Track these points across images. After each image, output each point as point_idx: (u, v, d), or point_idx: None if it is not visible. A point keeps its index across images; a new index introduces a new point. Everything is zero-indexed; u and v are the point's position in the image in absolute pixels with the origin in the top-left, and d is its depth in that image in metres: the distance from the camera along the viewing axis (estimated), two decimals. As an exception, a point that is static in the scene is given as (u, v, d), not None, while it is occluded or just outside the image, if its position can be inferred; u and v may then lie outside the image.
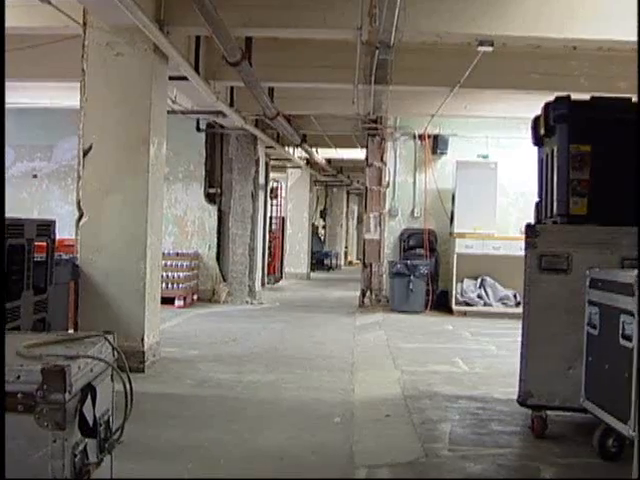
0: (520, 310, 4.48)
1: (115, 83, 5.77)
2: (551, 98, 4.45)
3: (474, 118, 10.56)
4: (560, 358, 4.06)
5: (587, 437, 3.82)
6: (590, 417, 3.86)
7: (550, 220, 4.48)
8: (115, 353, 3.20)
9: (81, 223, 5.79)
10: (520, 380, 4.20)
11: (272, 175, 16.07)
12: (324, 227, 23.70)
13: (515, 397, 4.28)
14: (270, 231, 15.34)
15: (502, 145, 10.87)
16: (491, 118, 10.44)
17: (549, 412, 4.16)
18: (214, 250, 11.28)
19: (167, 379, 5.59)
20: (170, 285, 10.25)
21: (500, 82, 7.75)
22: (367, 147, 11.26)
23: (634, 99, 4.17)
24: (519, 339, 4.23)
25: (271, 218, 15.52)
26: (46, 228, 4.76)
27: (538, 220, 4.68)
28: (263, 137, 11.20)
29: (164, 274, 9.86)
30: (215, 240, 11.28)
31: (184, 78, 6.78)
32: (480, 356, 6.76)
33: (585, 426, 4.04)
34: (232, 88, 9.04)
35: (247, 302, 11.24)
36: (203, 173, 11.29)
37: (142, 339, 5.75)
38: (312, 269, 18.89)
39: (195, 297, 11.00)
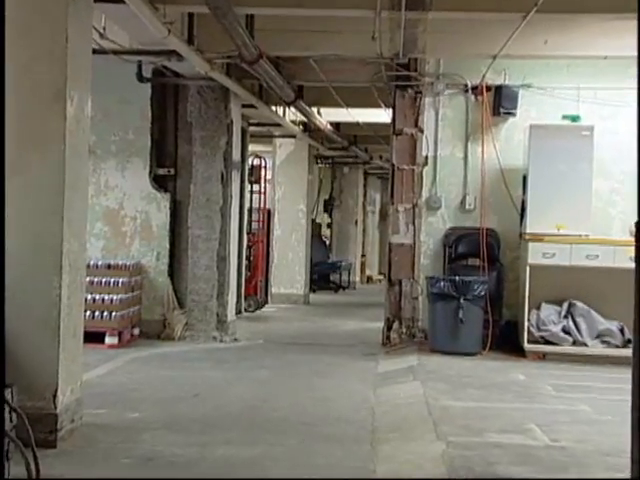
0: (629, 352, 4.40)
1: (11, 7, 5.68)
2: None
3: (558, 59, 10.51)
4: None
5: None
6: None
7: (676, 214, 4.42)
8: (13, 417, 3.15)
9: (-39, 219, 5.75)
10: (632, 461, 4.12)
11: (252, 148, 16.02)
12: (330, 226, 23.66)
13: (625, 486, 4.24)
14: (250, 232, 15.31)
15: (602, 100, 10.80)
16: (585, 59, 10.38)
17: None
18: (165, 260, 11.24)
19: (92, 457, 5.55)
20: (99, 314, 10.22)
21: (599, 3, 7.68)
22: (394, 106, 11.23)
23: None
24: (629, 397, 4.16)
25: (251, 212, 15.49)
26: None
27: (657, 215, 4.62)
28: (238, 91, 11.15)
29: (89, 296, 9.85)
30: (167, 245, 11.25)
31: (118, 0, 6.73)
32: (568, 422, 6.73)
33: None
34: (191, 16, 9.00)
35: (215, 338, 11.22)
36: (148, 144, 11.26)
37: (54, 396, 5.71)
38: (312, 289, 18.85)
39: (137, 331, 10.97)
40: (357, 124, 16.36)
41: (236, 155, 11.85)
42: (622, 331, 9.88)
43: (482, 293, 10.17)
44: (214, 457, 5.60)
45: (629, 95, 9.94)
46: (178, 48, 8.57)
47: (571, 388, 8.17)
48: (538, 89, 10.96)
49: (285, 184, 17.76)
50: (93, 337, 9.19)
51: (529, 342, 10.01)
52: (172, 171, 11.39)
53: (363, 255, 25.30)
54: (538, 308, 10.14)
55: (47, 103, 5.77)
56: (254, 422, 6.72)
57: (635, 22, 8.37)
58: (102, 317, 10.25)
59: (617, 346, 9.79)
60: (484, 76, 10.83)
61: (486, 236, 10.80)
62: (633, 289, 4.19)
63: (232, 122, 11.50)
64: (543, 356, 9.92)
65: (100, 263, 10.71)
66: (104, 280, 10.48)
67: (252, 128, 14.92)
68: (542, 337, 10.05)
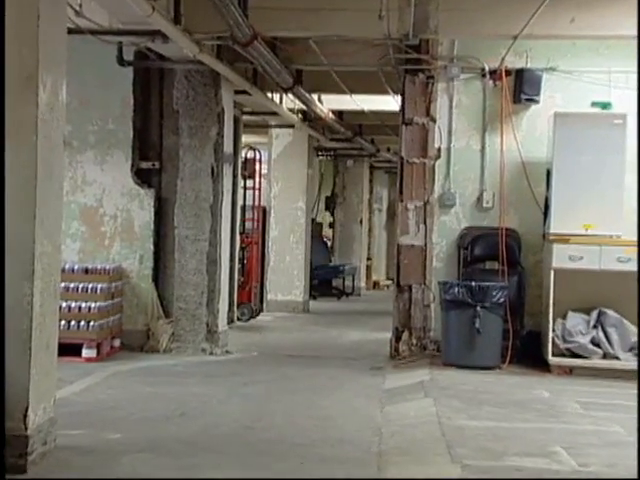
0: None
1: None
2: None
3: (586, 40, 10.49)
4: None
5: None
6: None
7: None
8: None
9: None
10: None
11: (246, 139, 16.00)
12: (332, 225, 23.66)
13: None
14: (243, 232, 15.29)
15: (635, 86, 10.71)
16: (616, 39, 10.32)
17: None
18: (149, 264, 11.24)
19: (67, 483, 5.55)
20: (75, 323, 10.20)
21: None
22: (404, 92, 11.22)
23: None
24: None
25: (244, 210, 15.47)
26: None
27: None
28: (230, 76, 11.14)
29: (64, 305, 9.83)
30: (151, 247, 11.25)
31: (97, -25, 6.74)
32: (598, 444, 6.71)
33: None
34: (178, -8, 9.01)
35: (204, 351, 11.22)
36: (130, 135, 11.26)
37: (24, 415, 5.69)
38: (313, 295, 18.87)
39: (117, 343, 10.98)
40: (362, 112, 16.39)
41: (228, 147, 11.84)
42: (658, 343, 9.87)
43: (501, 300, 10.13)
44: (203, 483, 5.62)
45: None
46: (163, 28, 8.57)
47: (601, 406, 8.14)
48: (564, 73, 10.93)
49: (282, 179, 17.74)
50: (69, 349, 9.19)
51: (554, 355, 9.99)
52: (157, 165, 11.38)
53: (369, 258, 25.32)
54: (564, 317, 10.12)
55: (17, 89, 5.71)
56: (247, 443, 6.72)
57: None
58: (79, 327, 10.21)
59: (652, 360, 9.77)
60: (503, 59, 10.82)
61: (506, 237, 10.78)
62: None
63: (223, 110, 11.48)
64: (570, 371, 9.90)
65: (76, 267, 10.69)
66: (81, 286, 10.45)
67: (246, 117, 14.92)
68: (568, 349, 10.03)
